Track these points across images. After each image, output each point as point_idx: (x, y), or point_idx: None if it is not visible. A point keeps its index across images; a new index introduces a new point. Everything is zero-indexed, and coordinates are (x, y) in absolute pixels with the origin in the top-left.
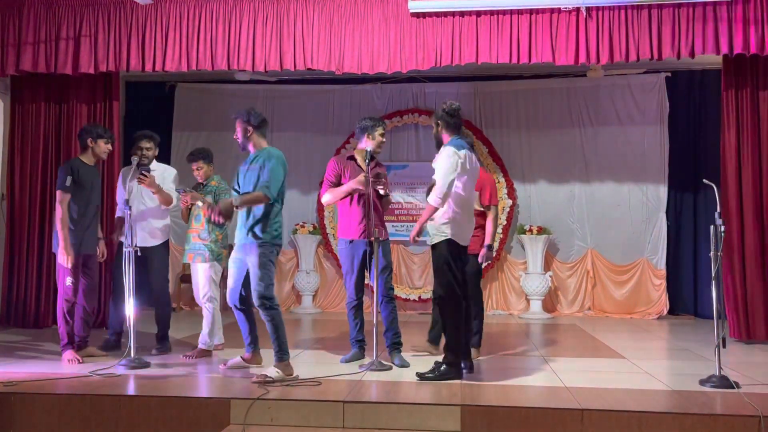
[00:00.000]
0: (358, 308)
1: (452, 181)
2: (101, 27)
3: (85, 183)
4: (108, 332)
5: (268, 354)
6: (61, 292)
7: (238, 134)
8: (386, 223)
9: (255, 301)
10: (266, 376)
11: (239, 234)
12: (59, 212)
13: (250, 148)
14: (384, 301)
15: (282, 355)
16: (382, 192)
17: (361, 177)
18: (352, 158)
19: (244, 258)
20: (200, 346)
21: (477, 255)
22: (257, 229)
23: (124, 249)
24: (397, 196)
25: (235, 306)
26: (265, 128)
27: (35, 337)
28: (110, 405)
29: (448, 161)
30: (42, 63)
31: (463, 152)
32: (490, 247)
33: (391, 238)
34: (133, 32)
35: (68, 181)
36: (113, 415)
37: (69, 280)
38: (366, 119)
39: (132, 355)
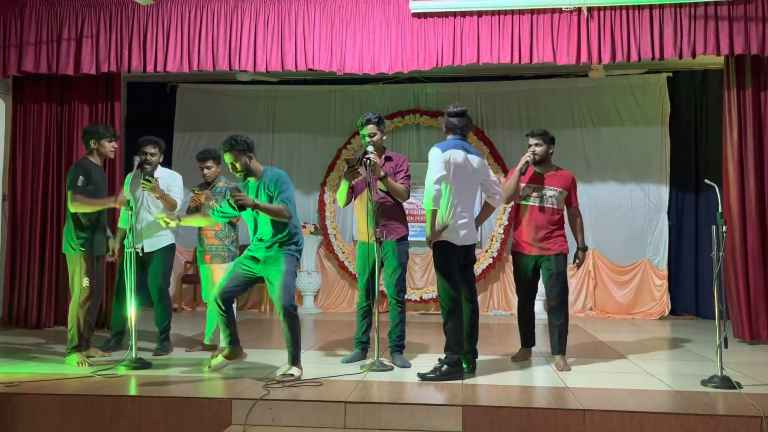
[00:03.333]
0: (366, 311)
1: (439, 180)
2: (102, 28)
3: (96, 183)
4: (110, 333)
5: (271, 355)
6: (77, 294)
7: (238, 166)
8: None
9: (281, 310)
10: (291, 375)
11: (262, 246)
12: (80, 206)
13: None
14: (393, 303)
15: (299, 358)
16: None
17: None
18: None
19: (255, 268)
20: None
21: (564, 255)
22: (287, 242)
23: (126, 250)
24: None
25: (222, 304)
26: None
27: (37, 337)
28: (112, 405)
29: (432, 163)
30: (44, 64)
31: (448, 152)
32: (585, 249)
33: None
34: (135, 33)
35: (80, 181)
36: (115, 416)
37: (86, 282)
38: (362, 115)
39: (134, 355)
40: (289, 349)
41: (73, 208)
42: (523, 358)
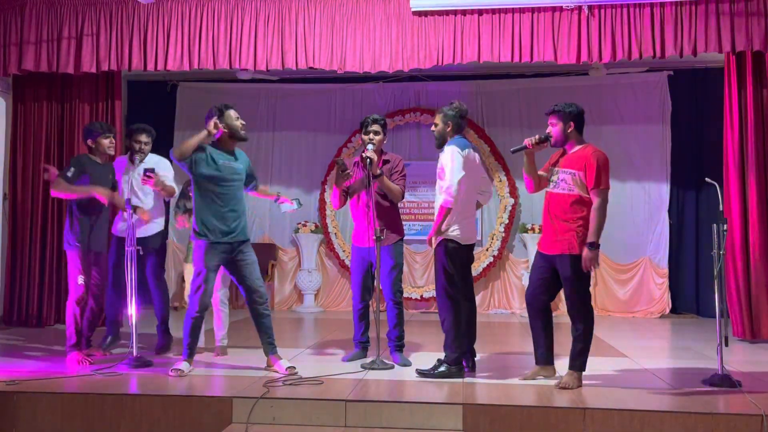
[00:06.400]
0: (363, 312)
1: (461, 180)
2: (103, 26)
3: (91, 180)
4: (105, 330)
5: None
6: (72, 292)
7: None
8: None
9: (267, 299)
10: (294, 367)
11: (239, 231)
12: (60, 190)
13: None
14: (390, 304)
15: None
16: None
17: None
18: (356, 164)
19: (221, 261)
20: (219, 344)
21: (571, 256)
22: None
23: (126, 249)
24: None
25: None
26: None
27: (38, 336)
28: (113, 404)
29: (454, 160)
30: (44, 62)
31: (465, 151)
32: (591, 246)
33: None
34: (135, 31)
35: (70, 171)
36: (116, 415)
37: (81, 279)
38: (368, 116)
39: (134, 354)
40: (275, 341)
41: (53, 191)
42: (532, 377)
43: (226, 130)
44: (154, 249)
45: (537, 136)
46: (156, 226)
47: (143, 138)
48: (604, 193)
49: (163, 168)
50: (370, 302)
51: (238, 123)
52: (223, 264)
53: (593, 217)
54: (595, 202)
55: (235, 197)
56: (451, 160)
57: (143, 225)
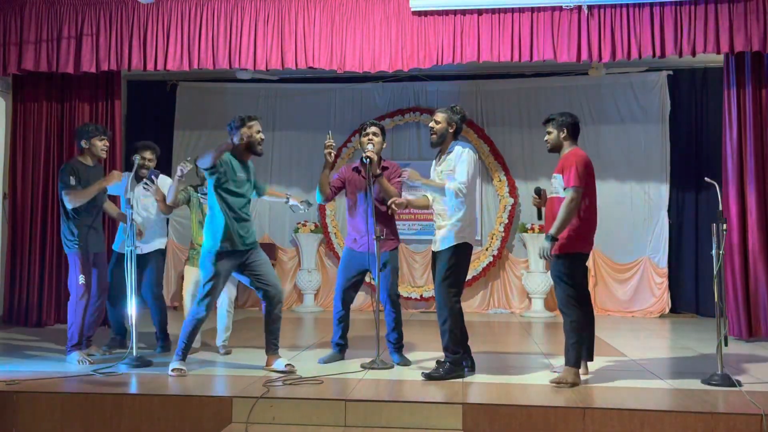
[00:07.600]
0: (342, 316)
1: (469, 182)
2: (103, 26)
3: (86, 183)
4: (111, 332)
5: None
6: (74, 292)
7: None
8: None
9: (282, 297)
10: (292, 366)
11: (250, 235)
12: (77, 199)
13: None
14: (387, 308)
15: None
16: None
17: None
18: (356, 169)
19: (232, 268)
20: (221, 344)
21: (556, 255)
22: None
23: (126, 248)
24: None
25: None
26: None
27: (38, 336)
28: (112, 404)
29: (472, 162)
30: (44, 62)
31: (475, 155)
32: (547, 237)
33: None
34: (135, 31)
35: (72, 180)
36: (115, 414)
37: (82, 279)
38: (366, 121)
39: (134, 354)
40: (278, 340)
41: (71, 204)
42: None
43: (244, 141)
44: (156, 267)
45: (534, 198)
46: (156, 243)
47: (148, 155)
48: (574, 191)
49: (164, 181)
50: (371, 302)
51: (258, 137)
52: (236, 270)
53: (559, 212)
54: (566, 198)
55: (247, 205)
56: (470, 161)
57: (143, 241)
